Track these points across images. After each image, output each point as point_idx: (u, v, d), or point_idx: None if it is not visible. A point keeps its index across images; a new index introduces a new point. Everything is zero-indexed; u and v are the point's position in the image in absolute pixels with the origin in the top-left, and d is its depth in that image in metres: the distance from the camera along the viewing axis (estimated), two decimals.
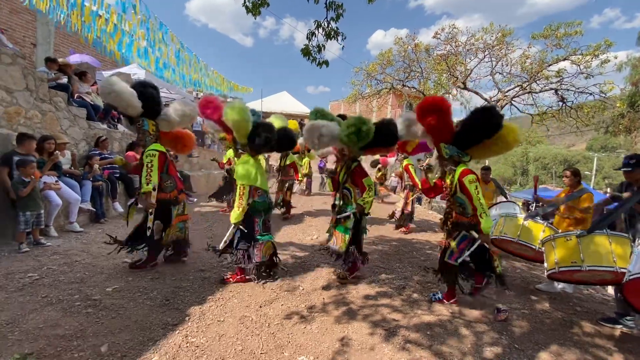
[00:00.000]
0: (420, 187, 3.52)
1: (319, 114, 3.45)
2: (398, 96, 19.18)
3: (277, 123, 3.50)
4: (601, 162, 36.59)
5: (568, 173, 3.84)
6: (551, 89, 13.28)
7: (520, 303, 3.36)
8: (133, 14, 9.16)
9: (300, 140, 6.19)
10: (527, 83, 13.63)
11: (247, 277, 3.29)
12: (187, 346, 2.23)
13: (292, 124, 5.75)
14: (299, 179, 6.67)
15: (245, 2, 4.05)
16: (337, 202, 3.56)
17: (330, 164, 4.45)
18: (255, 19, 4.30)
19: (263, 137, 3.07)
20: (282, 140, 3.36)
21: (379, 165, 9.75)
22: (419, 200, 10.05)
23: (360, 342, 2.44)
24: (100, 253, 3.84)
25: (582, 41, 12.39)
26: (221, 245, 3.23)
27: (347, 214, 3.36)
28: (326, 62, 4.55)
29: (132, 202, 3.49)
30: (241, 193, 3.10)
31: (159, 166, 3.23)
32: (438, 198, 3.39)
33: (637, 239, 2.83)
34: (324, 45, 4.46)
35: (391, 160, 8.48)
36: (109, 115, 6.73)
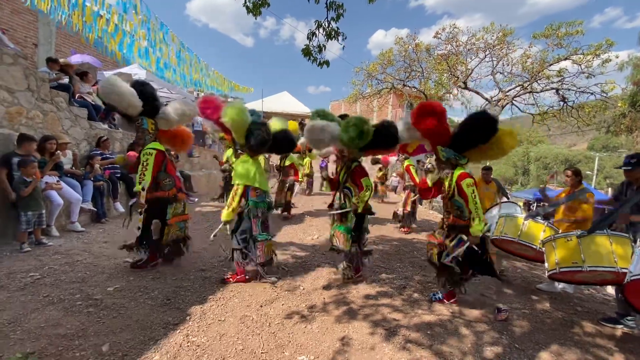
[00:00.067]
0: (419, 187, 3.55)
1: (320, 115, 3.46)
2: (399, 96, 19.17)
3: (277, 125, 3.51)
4: (602, 161, 36.49)
5: (569, 173, 3.83)
6: (552, 88, 13.26)
7: (521, 303, 3.36)
8: (134, 14, 9.18)
9: (301, 140, 6.20)
10: (528, 83, 13.61)
11: (247, 277, 3.30)
12: (188, 345, 2.23)
13: (292, 125, 5.75)
14: (299, 179, 6.67)
15: (245, 2, 4.05)
16: (336, 202, 3.58)
17: (332, 164, 4.47)
18: (255, 19, 4.31)
19: (259, 138, 3.07)
20: (282, 142, 3.37)
21: (380, 165, 9.76)
22: (420, 200, 10.06)
23: (361, 341, 2.44)
24: (101, 253, 3.85)
25: (584, 41, 12.41)
26: (211, 237, 3.22)
27: (339, 211, 3.41)
28: (327, 62, 4.55)
29: (133, 202, 3.50)
30: (234, 193, 3.12)
31: (156, 165, 3.24)
32: (439, 198, 3.38)
33: (637, 240, 2.83)
34: (324, 46, 4.47)
35: (392, 159, 8.49)
36: (110, 115, 6.74)
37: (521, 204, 12.26)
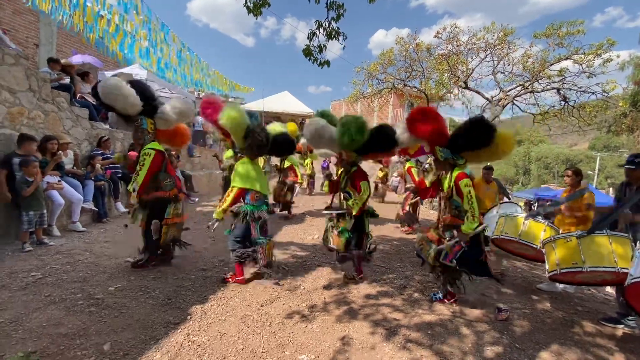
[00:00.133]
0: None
1: (324, 116, 3.50)
2: (399, 96, 19.15)
3: (277, 128, 3.53)
4: (604, 161, 36.40)
5: (569, 172, 3.83)
6: (553, 88, 13.22)
7: (522, 302, 3.36)
8: (135, 15, 9.20)
9: (302, 141, 6.19)
10: (529, 82, 13.57)
11: (246, 279, 3.31)
12: (189, 345, 2.24)
13: (291, 126, 5.75)
14: (299, 180, 6.68)
15: (246, 3, 4.05)
16: (334, 205, 3.61)
17: (334, 165, 4.45)
18: (256, 19, 4.30)
19: (256, 141, 3.08)
20: (282, 145, 3.38)
21: (381, 166, 9.76)
22: (421, 200, 10.06)
23: (361, 341, 2.44)
24: (102, 252, 3.86)
25: (585, 40, 12.39)
26: (208, 226, 3.19)
27: (333, 211, 3.47)
28: (327, 62, 4.54)
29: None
30: (228, 194, 3.14)
31: (156, 165, 3.23)
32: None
33: (638, 241, 2.83)
34: (325, 46, 4.46)
35: (394, 158, 8.49)
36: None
37: (522, 204, 12.25)
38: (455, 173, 2.85)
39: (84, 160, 5.36)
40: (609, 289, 4.07)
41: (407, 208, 6.29)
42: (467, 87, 14.93)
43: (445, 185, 2.97)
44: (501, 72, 14.31)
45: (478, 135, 2.73)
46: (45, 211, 3.92)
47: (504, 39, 13.46)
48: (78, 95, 6.06)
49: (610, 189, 23.06)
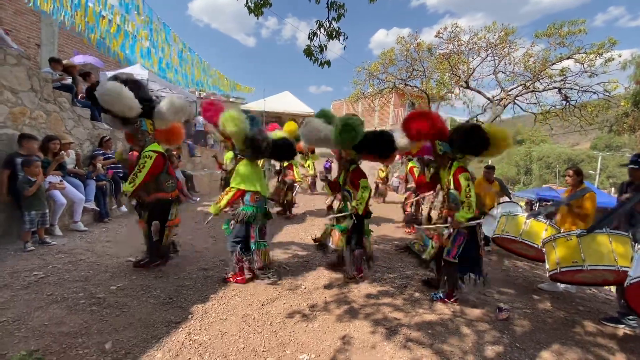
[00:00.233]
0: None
1: (323, 115, 3.52)
2: (400, 95, 19.12)
3: (279, 133, 3.55)
4: (605, 161, 36.26)
5: (570, 172, 3.82)
6: (555, 87, 13.20)
7: (522, 302, 3.36)
8: (136, 15, 9.22)
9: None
10: (531, 82, 13.54)
11: (246, 278, 3.31)
12: (190, 344, 2.25)
13: (292, 125, 5.75)
14: (296, 179, 6.69)
15: (247, 3, 4.06)
16: (334, 204, 3.62)
17: (336, 165, 4.46)
18: (257, 19, 4.31)
19: (256, 145, 3.11)
20: (282, 149, 3.40)
21: (382, 166, 9.75)
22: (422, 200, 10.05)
23: (362, 340, 2.45)
24: (104, 252, 3.88)
25: (586, 39, 12.36)
26: (206, 222, 3.25)
27: (342, 214, 3.44)
28: (328, 62, 4.54)
29: (136, 204, 3.50)
30: (226, 192, 3.15)
31: (158, 167, 3.21)
32: (440, 198, 3.41)
33: (637, 242, 2.83)
34: (326, 46, 4.46)
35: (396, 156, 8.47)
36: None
37: (523, 203, 12.23)
38: (455, 166, 2.89)
39: (85, 160, 5.38)
40: (611, 288, 4.07)
41: (409, 209, 6.28)
42: (468, 87, 14.91)
43: (444, 178, 2.99)
44: (502, 72, 14.28)
45: (472, 145, 2.81)
46: (47, 211, 3.94)
47: (505, 38, 13.44)
48: (80, 96, 6.08)
49: (612, 188, 22.99)
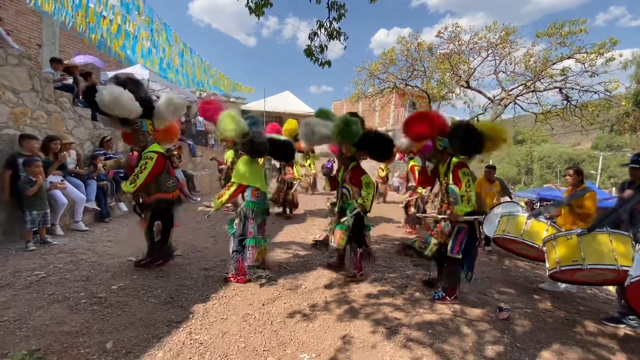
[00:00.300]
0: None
1: (323, 114, 3.53)
2: (401, 95, 19.13)
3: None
4: (607, 160, 36.22)
5: (571, 172, 3.82)
6: (555, 87, 13.21)
7: (523, 302, 3.36)
8: (137, 15, 9.23)
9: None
10: (531, 82, 13.55)
11: (247, 278, 3.31)
12: (191, 343, 2.26)
13: (292, 124, 5.75)
14: (295, 177, 6.68)
15: (248, 3, 4.07)
16: (335, 201, 3.62)
17: (337, 165, 4.45)
18: (258, 19, 4.32)
19: (255, 146, 3.15)
20: (281, 150, 3.40)
21: (382, 165, 9.75)
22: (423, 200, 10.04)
23: (362, 340, 2.45)
24: (105, 252, 3.88)
25: (587, 39, 12.36)
26: (207, 216, 3.30)
27: (352, 214, 3.35)
28: (328, 63, 4.55)
29: (135, 204, 3.50)
30: (228, 188, 3.18)
31: (159, 168, 3.21)
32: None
33: (638, 242, 2.82)
34: (326, 46, 4.47)
35: (396, 157, 8.45)
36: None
37: (523, 203, 12.21)
38: (455, 162, 2.91)
39: (86, 160, 5.39)
40: (612, 288, 4.06)
41: (412, 209, 6.26)
42: (469, 87, 14.92)
43: (443, 173, 2.99)
44: (503, 72, 14.30)
45: (471, 146, 2.83)
46: (48, 211, 3.95)
47: (505, 38, 13.45)
48: (81, 96, 6.09)
49: (613, 188, 22.93)
